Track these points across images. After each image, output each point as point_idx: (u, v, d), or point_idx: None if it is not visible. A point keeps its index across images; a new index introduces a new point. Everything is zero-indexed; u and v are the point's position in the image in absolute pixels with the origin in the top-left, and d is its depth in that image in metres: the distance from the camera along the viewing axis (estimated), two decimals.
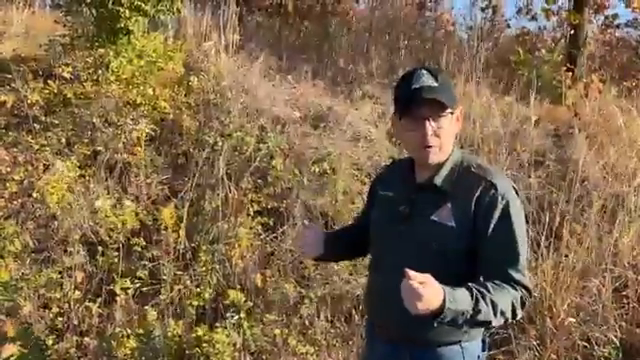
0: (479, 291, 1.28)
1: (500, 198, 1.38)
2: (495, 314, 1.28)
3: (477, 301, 1.26)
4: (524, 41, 6.22)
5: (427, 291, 1.19)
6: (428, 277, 1.21)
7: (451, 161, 1.46)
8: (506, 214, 1.38)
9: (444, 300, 1.21)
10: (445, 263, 1.40)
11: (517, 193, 1.44)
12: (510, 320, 1.35)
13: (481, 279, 1.35)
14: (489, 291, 1.29)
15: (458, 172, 1.45)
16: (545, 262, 2.87)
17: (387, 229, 1.50)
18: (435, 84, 1.39)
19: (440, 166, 1.45)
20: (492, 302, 1.28)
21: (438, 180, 1.44)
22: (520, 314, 1.36)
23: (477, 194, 1.39)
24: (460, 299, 1.24)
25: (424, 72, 1.41)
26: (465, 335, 1.44)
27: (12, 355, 2.42)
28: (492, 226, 1.38)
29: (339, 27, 6.59)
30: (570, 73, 5.06)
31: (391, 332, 1.49)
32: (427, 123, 1.39)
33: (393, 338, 1.49)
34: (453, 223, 1.39)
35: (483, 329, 1.49)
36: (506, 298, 1.31)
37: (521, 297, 1.35)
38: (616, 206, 3.35)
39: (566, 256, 2.95)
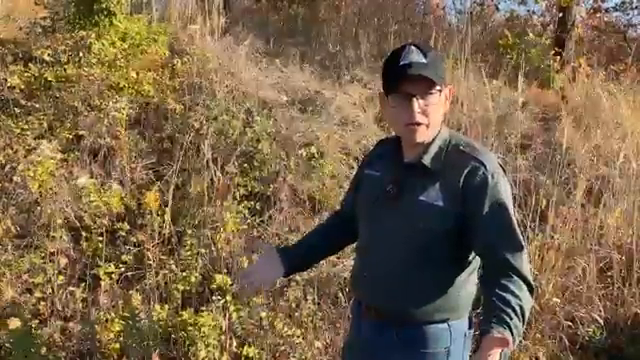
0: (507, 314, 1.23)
1: (490, 177, 1.36)
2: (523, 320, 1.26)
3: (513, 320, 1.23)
4: (513, 25, 6.20)
5: None
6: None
7: (439, 140, 1.44)
8: (497, 194, 1.36)
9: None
10: (433, 244, 1.39)
11: (504, 171, 1.43)
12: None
13: (496, 290, 1.28)
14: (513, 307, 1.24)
15: (446, 151, 1.42)
16: (531, 243, 2.88)
17: (374, 209, 1.48)
18: (424, 60, 1.36)
19: (428, 145, 1.43)
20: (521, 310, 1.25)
21: (426, 159, 1.42)
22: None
23: (465, 173, 1.37)
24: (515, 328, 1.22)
25: (413, 48, 1.38)
26: (453, 313, 1.44)
27: (17, 328, 2.40)
28: (485, 208, 1.35)
29: (328, 11, 6.52)
30: (558, 57, 5.06)
31: (378, 311, 1.49)
32: (414, 100, 1.36)
33: (380, 317, 1.48)
34: (441, 203, 1.38)
35: (470, 307, 1.49)
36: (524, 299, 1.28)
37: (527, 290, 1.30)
38: (601, 188, 3.37)
39: (552, 237, 2.97)
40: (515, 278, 1.29)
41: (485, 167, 1.37)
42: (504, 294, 1.26)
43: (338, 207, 1.84)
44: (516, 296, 1.26)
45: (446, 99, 1.43)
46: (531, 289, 1.32)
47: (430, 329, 1.44)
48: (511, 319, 1.22)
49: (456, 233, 1.39)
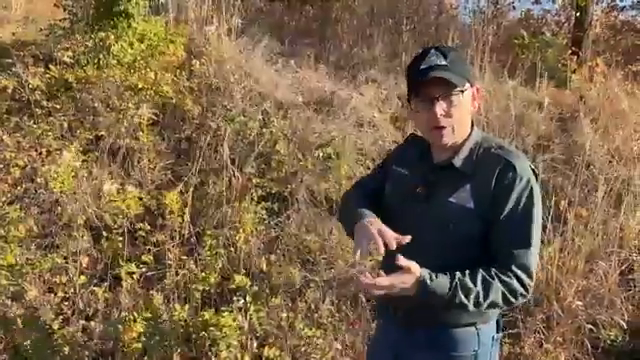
0: (462, 281, 1.32)
1: (519, 179, 1.36)
2: (477, 304, 1.33)
3: (455, 289, 1.31)
4: (528, 24, 6.16)
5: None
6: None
7: (471, 142, 1.43)
8: (524, 196, 1.36)
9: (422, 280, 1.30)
10: (463, 245, 1.38)
11: (537, 176, 1.42)
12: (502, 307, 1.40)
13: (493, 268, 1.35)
14: (475, 282, 1.32)
15: (478, 153, 1.42)
16: (551, 245, 2.86)
17: (403, 209, 1.46)
18: (443, 62, 1.36)
19: (459, 147, 1.42)
20: (476, 294, 1.32)
21: (457, 161, 1.42)
22: (516, 303, 1.38)
23: (496, 175, 1.36)
24: (439, 284, 1.31)
25: (433, 51, 1.39)
26: (480, 317, 1.44)
27: (41, 327, 2.43)
28: (508, 208, 1.35)
29: (341, 11, 6.51)
30: (575, 56, 5.02)
31: (406, 313, 1.48)
32: (436, 103, 1.36)
33: (408, 319, 1.47)
34: (472, 205, 1.37)
35: (497, 310, 1.48)
36: (496, 290, 1.33)
37: (514, 289, 1.34)
38: (622, 190, 3.33)
39: (572, 240, 2.94)
40: (512, 276, 1.34)
41: (515, 169, 1.36)
42: (484, 273, 1.33)
43: (355, 186, 1.67)
44: (496, 277, 1.33)
45: (473, 99, 1.43)
46: (525, 289, 1.35)
47: (458, 332, 1.44)
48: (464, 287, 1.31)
49: (485, 235, 1.38)
